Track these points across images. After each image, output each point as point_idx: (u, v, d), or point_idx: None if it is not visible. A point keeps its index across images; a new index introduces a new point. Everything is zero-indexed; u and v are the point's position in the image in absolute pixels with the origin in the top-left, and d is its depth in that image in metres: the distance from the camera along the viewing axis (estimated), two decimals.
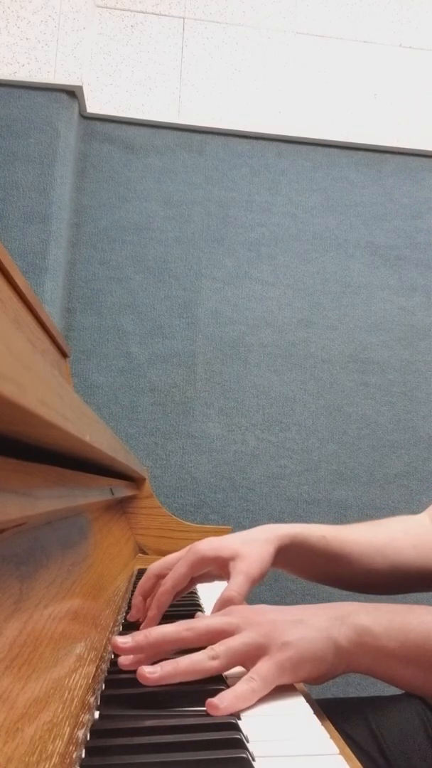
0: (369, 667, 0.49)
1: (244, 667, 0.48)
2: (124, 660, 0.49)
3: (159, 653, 0.49)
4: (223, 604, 0.58)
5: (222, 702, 0.43)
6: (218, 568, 0.64)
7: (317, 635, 0.48)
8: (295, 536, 0.67)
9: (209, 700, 0.43)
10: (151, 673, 0.46)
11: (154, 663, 0.47)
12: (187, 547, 0.65)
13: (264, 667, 0.47)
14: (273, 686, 0.47)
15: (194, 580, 0.66)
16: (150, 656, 0.49)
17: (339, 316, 1.81)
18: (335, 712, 0.51)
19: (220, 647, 0.47)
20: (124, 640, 0.49)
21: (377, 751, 0.58)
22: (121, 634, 0.62)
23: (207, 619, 0.51)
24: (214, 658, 0.47)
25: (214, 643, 0.48)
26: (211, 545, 0.64)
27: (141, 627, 0.63)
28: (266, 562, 0.63)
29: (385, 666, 0.49)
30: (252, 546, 0.63)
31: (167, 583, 0.63)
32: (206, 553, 0.63)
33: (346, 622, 0.49)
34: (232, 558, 0.62)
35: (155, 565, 0.67)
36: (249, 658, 0.48)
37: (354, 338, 1.80)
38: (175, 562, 0.64)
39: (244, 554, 0.62)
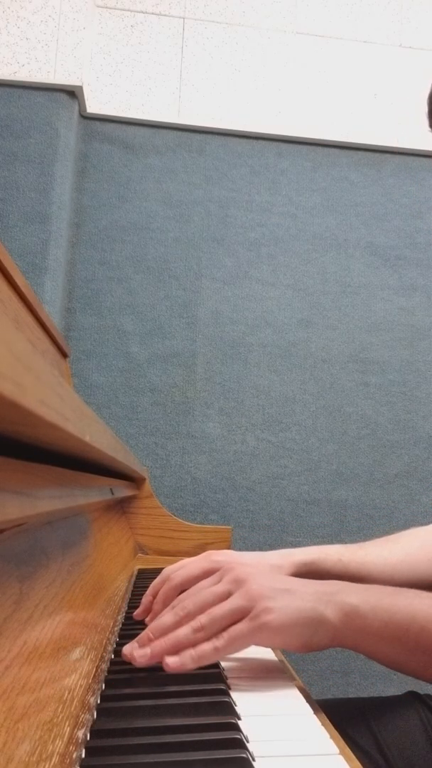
0: (354, 644, 0.51)
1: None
2: (140, 658, 0.50)
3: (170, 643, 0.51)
4: None
5: (179, 659, 0.47)
6: None
7: (303, 605, 0.50)
8: (311, 563, 0.68)
9: (165, 658, 0.47)
10: (141, 656, 0.49)
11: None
12: (205, 553, 0.66)
13: (237, 628, 0.49)
14: (242, 648, 0.50)
15: None
16: (162, 643, 0.51)
17: (339, 316, 1.81)
18: (335, 712, 0.51)
19: (204, 618, 0.50)
20: (131, 648, 0.51)
21: (377, 751, 0.58)
22: (121, 632, 0.62)
23: (200, 596, 0.53)
24: (198, 630, 0.50)
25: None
26: (228, 559, 0.64)
27: (146, 621, 0.64)
28: None
29: (369, 643, 0.50)
30: (265, 568, 0.64)
31: (175, 580, 0.63)
32: (222, 566, 0.63)
33: (334, 599, 0.51)
34: None
35: (170, 567, 0.67)
36: (233, 622, 0.50)
37: (354, 338, 1.80)
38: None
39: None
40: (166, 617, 0.52)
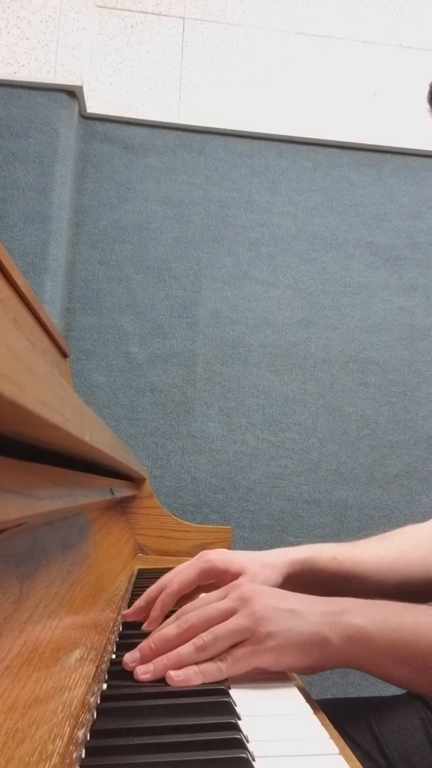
0: (360, 664, 0.50)
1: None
2: (143, 675, 0.50)
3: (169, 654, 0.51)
4: None
5: (183, 674, 0.48)
6: (224, 581, 0.64)
7: (306, 629, 0.49)
8: (306, 561, 0.67)
9: (168, 672, 0.48)
10: (144, 672, 0.49)
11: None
12: (199, 554, 0.65)
13: (240, 652, 0.49)
14: (245, 669, 0.49)
15: (199, 588, 0.66)
16: (165, 660, 0.51)
17: (339, 316, 1.81)
18: (335, 712, 0.51)
19: (207, 636, 0.50)
20: (133, 657, 0.51)
21: (377, 751, 0.58)
22: (121, 632, 0.62)
23: (204, 611, 0.52)
24: (201, 649, 0.49)
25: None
26: (222, 557, 0.64)
27: (143, 627, 0.63)
28: (269, 584, 0.63)
29: (376, 663, 0.50)
30: (260, 567, 0.64)
31: (173, 586, 0.63)
32: (217, 564, 0.64)
33: (340, 619, 0.50)
34: (238, 574, 0.63)
35: (167, 575, 0.67)
36: (236, 642, 0.50)
37: (354, 338, 1.80)
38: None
39: (251, 572, 0.63)
40: (169, 629, 0.52)
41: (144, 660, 0.51)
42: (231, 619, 0.50)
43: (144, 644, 0.52)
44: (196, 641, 0.50)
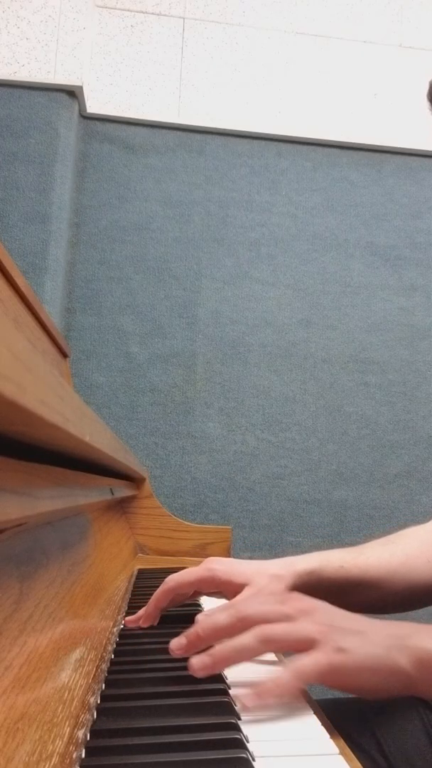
0: (427, 691, 0.47)
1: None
2: (178, 650, 0.48)
3: (213, 643, 0.49)
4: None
5: (260, 697, 0.43)
6: (228, 592, 0.63)
7: (377, 651, 0.46)
8: (313, 572, 0.66)
9: (247, 701, 0.43)
10: (201, 669, 0.45)
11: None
12: (206, 560, 0.65)
13: (305, 664, 0.45)
14: (314, 682, 0.45)
15: (198, 593, 0.66)
16: (226, 652, 0.48)
17: (339, 316, 1.81)
18: (335, 712, 0.51)
19: (275, 630, 0.46)
20: (179, 644, 0.48)
21: (378, 751, 0.58)
22: (121, 632, 0.62)
23: (262, 607, 0.49)
24: (266, 641, 0.46)
25: None
26: (226, 567, 0.63)
27: (142, 624, 0.63)
28: None
29: None
30: (267, 579, 0.63)
31: (170, 584, 0.63)
32: (219, 575, 0.63)
33: (408, 643, 0.46)
34: (243, 585, 0.62)
35: (171, 576, 0.66)
36: (297, 650, 0.46)
37: (354, 338, 1.80)
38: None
39: (258, 584, 0.62)
40: (220, 616, 0.49)
41: (190, 647, 0.48)
42: (294, 623, 0.46)
43: (191, 631, 0.49)
44: (258, 633, 0.46)
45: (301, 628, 0.46)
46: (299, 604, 0.49)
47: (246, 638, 0.46)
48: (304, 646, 0.46)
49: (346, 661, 0.45)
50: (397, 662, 0.45)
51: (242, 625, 0.47)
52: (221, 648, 0.46)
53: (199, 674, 0.45)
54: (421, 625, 0.49)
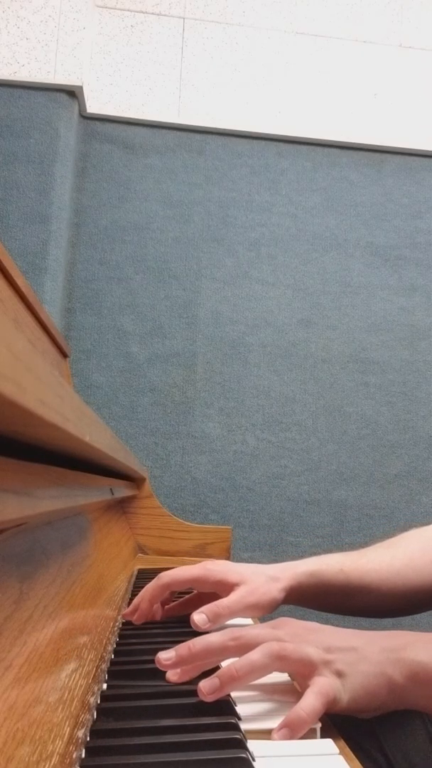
0: (426, 704, 0.47)
1: (292, 678, 0.47)
2: (172, 675, 0.48)
3: (204, 665, 0.48)
4: (209, 612, 0.58)
5: (303, 719, 0.42)
6: (222, 591, 0.63)
7: (371, 669, 0.45)
8: (312, 575, 0.66)
9: (289, 720, 0.42)
10: (210, 690, 0.44)
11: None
12: (203, 562, 0.65)
13: (333, 683, 0.44)
14: (320, 706, 0.44)
15: (203, 597, 0.66)
16: (196, 668, 0.48)
17: (339, 316, 1.81)
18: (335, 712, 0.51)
19: (285, 647, 0.46)
20: (167, 656, 0.48)
21: (378, 751, 0.58)
22: (121, 632, 0.62)
23: (254, 629, 0.48)
24: (280, 658, 0.45)
25: None
26: (221, 568, 0.64)
27: (135, 621, 0.64)
28: (269, 597, 0.62)
29: None
30: (263, 580, 0.63)
31: (163, 579, 0.63)
32: (214, 574, 0.63)
33: (402, 656, 0.46)
34: (237, 584, 0.62)
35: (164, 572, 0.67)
36: (298, 671, 0.46)
37: (354, 338, 1.80)
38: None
39: (252, 584, 0.62)
40: (214, 635, 0.48)
41: (179, 661, 0.47)
42: (294, 646, 0.46)
43: (182, 645, 0.48)
44: (267, 649, 0.45)
45: (302, 648, 0.46)
46: (291, 629, 0.49)
47: (255, 655, 0.45)
48: (305, 667, 0.46)
49: (347, 685, 0.45)
50: (392, 677, 0.45)
51: (235, 644, 0.47)
52: (229, 668, 0.45)
53: (209, 698, 0.44)
54: (416, 635, 0.49)
